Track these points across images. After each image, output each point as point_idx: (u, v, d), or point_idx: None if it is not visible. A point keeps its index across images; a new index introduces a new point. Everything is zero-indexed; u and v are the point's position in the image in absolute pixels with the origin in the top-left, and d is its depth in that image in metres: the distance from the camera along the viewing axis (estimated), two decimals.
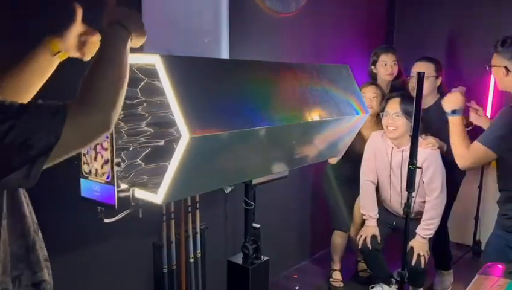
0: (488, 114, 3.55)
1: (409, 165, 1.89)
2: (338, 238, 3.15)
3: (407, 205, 1.91)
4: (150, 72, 1.33)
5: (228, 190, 1.60)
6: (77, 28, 1.15)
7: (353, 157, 2.77)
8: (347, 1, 3.55)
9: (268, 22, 2.82)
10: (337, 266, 3.21)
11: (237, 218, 2.84)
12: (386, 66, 3.03)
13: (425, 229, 2.56)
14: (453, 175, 2.79)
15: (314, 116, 1.62)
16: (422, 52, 3.09)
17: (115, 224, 1.99)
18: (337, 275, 3.19)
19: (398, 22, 4.14)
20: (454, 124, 2.06)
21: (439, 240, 2.81)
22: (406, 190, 1.92)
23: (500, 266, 1.55)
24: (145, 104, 1.45)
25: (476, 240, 3.69)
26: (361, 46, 3.72)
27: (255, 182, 1.69)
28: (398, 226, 2.73)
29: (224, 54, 2.53)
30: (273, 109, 1.45)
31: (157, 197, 1.25)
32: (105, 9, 1.06)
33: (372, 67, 3.12)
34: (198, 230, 2.47)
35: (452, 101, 2.10)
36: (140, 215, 2.18)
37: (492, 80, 3.55)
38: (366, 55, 3.27)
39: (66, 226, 1.92)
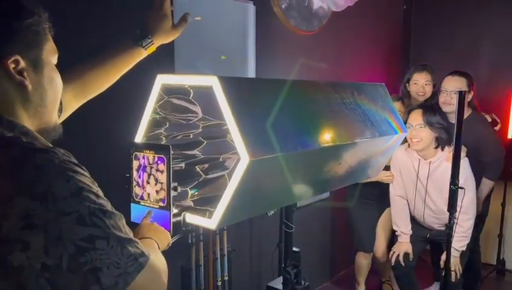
0: (510, 132, 3.53)
1: (450, 185, 1.85)
2: (362, 259, 3.09)
3: (449, 227, 1.87)
4: (169, 90, 1.32)
5: (271, 212, 1.55)
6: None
7: None
8: (365, 21, 3.56)
9: (293, 40, 2.82)
10: (362, 288, 3.14)
11: (262, 240, 2.79)
12: (417, 85, 2.99)
13: (460, 241, 2.49)
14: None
15: (358, 136, 1.58)
16: (438, 71, 3.08)
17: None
18: None
19: (415, 42, 4.17)
20: None
21: (472, 260, 2.76)
22: (448, 211, 1.87)
23: None
24: (167, 124, 1.42)
25: (500, 259, 3.62)
26: (379, 65, 3.73)
27: (299, 205, 1.64)
28: (431, 238, 2.68)
29: (251, 72, 2.52)
30: (322, 130, 1.42)
31: (211, 222, 1.20)
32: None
33: (407, 84, 3.08)
34: (225, 252, 2.42)
35: None
36: (190, 241, 2.15)
37: None
38: (384, 73, 3.27)
39: None
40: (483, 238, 3.50)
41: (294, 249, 1.74)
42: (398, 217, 2.74)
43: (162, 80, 1.31)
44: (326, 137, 1.43)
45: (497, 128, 3.15)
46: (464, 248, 2.52)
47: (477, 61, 3.68)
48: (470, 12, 3.84)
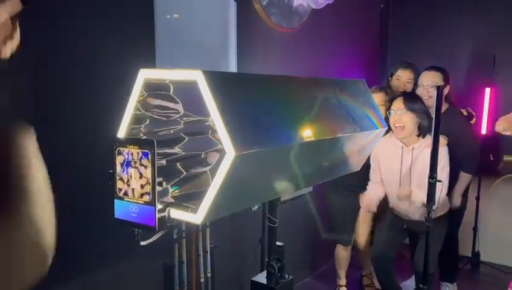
0: (484, 127, 3.63)
1: (429, 178, 1.89)
2: (342, 252, 3.12)
3: (428, 220, 1.91)
4: (150, 87, 1.30)
5: (255, 207, 1.55)
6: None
7: None
8: (344, 19, 3.61)
9: (274, 37, 2.83)
10: (343, 281, 3.18)
11: (244, 236, 2.80)
12: (399, 81, 3.05)
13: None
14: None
15: (340, 130, 1.60)
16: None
17: (125, 245, 1.94)
18: None
19: (392, 40, 4.24)
20: None
21: (450, 252, 2.83)
22: (427, 203, 1.92)
23: None
24: (148, 121, 1.41)
25: (475, 251, 3.72)
26: (358, 62, 3.78)
27: (283, 199, 1.65)
28: (409, 229, 2.72)
29: (232, 69, 2.52)
30: (305, 125, 1.43)
31: (196, 217, 1.20)
32: None
33: (389, 78, 3.15)
34: (208, 249, 2.41)
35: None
36: (175, 236, 2.13)
37: (487, 94, 3.64)
38: (363, 70, 3.32)
39: (80, 246, 1.86)
40: (459, 231, 3.59)
41: (278, 243, 1.75)
42: (370, 191, 2.82)
43: (145, 74, 1.30)
44: (310, 132, 1.45)
45: (472, 122, 3.24)
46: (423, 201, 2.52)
47: (453, 59, 3.77)
48: (446, 12, 3.93)
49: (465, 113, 3.12)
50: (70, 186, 1.81)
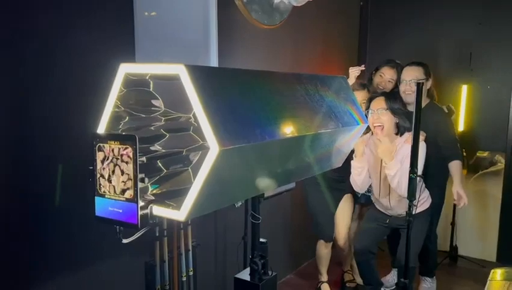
0: (461, 124, 3.70)
1: (410, 173, 1.91)
2: (323, 248, 3.13)
3: (409, 214, 1.93)
4: (129, 83, 1.27)
5: (239, 204, 1.55)
6: None
7: None
8: (325, 16, 3.63)
9: (255, 33, 2.82)
10: (324, 278, 3.20)
11: (227, 233, 2.78)
12: (381, 78, 3.07)
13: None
14: (440, 184, 2.88)
15: (323, 126, 1.61)
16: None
17: (106, 244, 1.91)
18: (325, 287, 3.17)
19: (372, 37, 4.28)
20: None
21: (428, 248, 2.87)
22: (408, 198, 1.94)
23: (509, 270, 1.58)
24: (127, 118, 1.38)
25: (453, 246, 3.79)
26: (338, 59, 3.81)
27: (266, 195, 1.65)
28: (392, 224, 2.75)
29: (214, 63, 2.50)
30: (289, 120, 1.43)
31: (179, 214, 1.18)
32: None
33: (373, 73, 3.16)
34: (190, 247, 2.39)
35: None
36: (157, 234, 2.10)
37: (464, 91, 3.72)
38: (342, 67, 3.35)
39: (59, 245, 1.82)
40: (437, 226, 3.66)
41: (261, 240, 1.75)
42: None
43: (125, 69, 1.27)
44: (293, 128, 1.45)
45: (452, 118, 3.31)
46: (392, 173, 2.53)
47: (431, 56, 3.82)
48: (425, 10, 3.99)
49: (445, 109, 3.17)
50: (50, 185, 1.77)
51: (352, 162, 2.68)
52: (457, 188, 2.66)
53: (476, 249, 3.86)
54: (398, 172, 2.45)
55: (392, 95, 2.67)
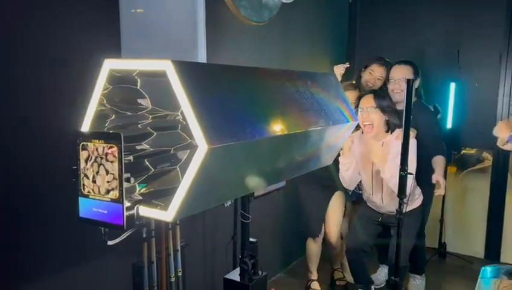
0: (450, 122, 3.72)
1: (400, 171, 1.90)
2: (312, 246, 3.12)
3: (399, 212, 1.92)
4: (115, 80, 1.23)
5: (228, 203, 1.52)
6: None
7: None
8: (313, 13, 3.61)
9: (243, 30, 2.79)
10: (314, 276, 3.18)
11: (216, 233, 2.75)
12: (371, 75, 3.06)
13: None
14: (429, 182, 2.87)
15: (314, 124, 1.58)
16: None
17: (91, 245, 1.86)
18: (315, 286, 3.16)
19: (360, 34, 4.28)
20: None
21: (417, 246, 2.87)
22: (398, 196, 1.93)
23: (499, 267, 1.57)
24: (113, 116, 1.34)
25: (442, 243, 3.81)
26: (326, 56, 3.80)
27: (256, 194, 1.62)
28: (384, 222, 2.74)
29: (202, 61, 2.46)
30: (279, 118, 1.40)
31: (167, 214, 1.15)
32: None
33: (362, 70, 3.14)
34: (178, 248, 2.35)
35: (502, 130, 2.00)
36: (144, 235, 2.06)
37: (452, 89, 3.73)
38: (331, 63, 3.33)
39: (43, 248, 1.77)
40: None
41: (251, 239, 1.72)
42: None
43: (110, 65, 1.23)
44: (284, 125, 1.42)
45: (438, 117, 3.31)
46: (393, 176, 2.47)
47: (420, 54, 3.82)
48: (413, 8, 3.99)
49: (431, 108, 3.18)
50: (31, 185, 1.72)
51: (339, 158, 2.67)
52: (438, 177, 2.66)
53: (464, 246, 3.88)
54: (394, 173, 2.44)
55: (381, 93, 2.66)
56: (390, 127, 2.59)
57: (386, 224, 2.75)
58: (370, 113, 2.55)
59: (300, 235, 3.30)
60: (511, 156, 3.66)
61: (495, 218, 3.77)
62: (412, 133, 2.58)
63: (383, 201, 2.67)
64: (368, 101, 2.58)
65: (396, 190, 2.44)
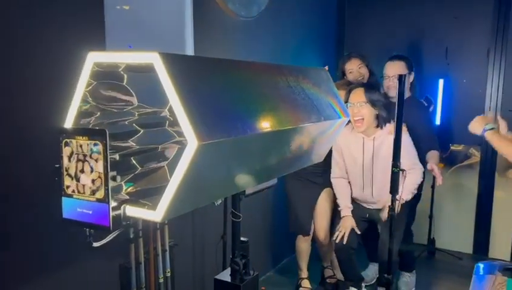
0: (438, 118, 3.72)
1: (392, 167, 1.87)
2: (302, 243, 3.09)
3: (392, 209, 1.89)
4: (100, 75, 1.18)
5: (218, 202, 1.47)
6: None
7: None
8: (302, 8, 3.58)
9: (231, 24, 2.74)
10: (305, 274, 3.15)
11: (205, 233, 2.70)
12: (353, 73, 3.04)
13: (408, 194, 2.50)
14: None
15: (306, 120, 1.54)
16: (372, 57, 3.16)
17: (76, 247, 1.80)
18: (306, 284, 3.13)
19: (349, 29, 4.26)
20: (490, 139, 1.98)
21: (404, 242, 2.86)
22: (390, 192, 1.90)
23: (493, 263, 1.55)
24: (98, 113, 1.28)
25: (431, 239, 3.82)
26: (315, 50, 3.77)
27: (248, 192, 1.57)
28: (371, 218, 2.72)
29: (189, 53, 2.41)
30: (271, 113, 1.36)
31: (155, 214, 1.10)
32: None
33: (344, 77, 3.12)
34: (167, 248, 2.29)
35: (475, 126, 2.05)
36: (132, 236, 1.99)
37: (441, 86, 3.73)
38: (320, 59, 3.31)
39: (27, 249, 1.70)
40: (415, 219, 3.67)
41: (242, 239, 1.68)
42: (340, 194, 2.78)
43: (94, 58, 1.17)
44: (276, 121, 1.38)
45: (431, 109, 3.33)
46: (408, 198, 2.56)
47: (409, 51, 3.81)
48: (403, 3, 3.97)
49: (425, 103, 3.18)
50: (12, 185, 1.65)
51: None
52: (432, 165, 2.68)
53: (453, 242, 3.90)
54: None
55: (371, 86, 2.63)
56: (379, 122, 2.57)
57: (372, 221, 2.74)
58: (360, 108, 2.52)
59: (290, 233, 3.27)
60: (498, 155, 3.68)
61: (483, 214, 3.78)
62: (403, 128, 2.56)
63: (374, 194, 2.65)
64: (358, 96, 2.55)
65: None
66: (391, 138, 2.02)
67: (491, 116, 2.02)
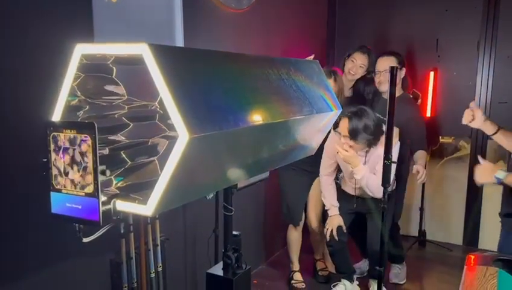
0: (429, 111, 3.73)
1: (384, 160, 1.87)
2: (294, 234, 3.09)
3: (384, 202, 1.90)
4: (89, 68, 1.15)
5: (210, 195, 1.45)
6: None
7: None
8: (293, 2, 3.55)
9: (222, 16, 2.71)
10: (296, 267, 3.16)
11: (197, 227, 2.68)
12: (353, 63, 3.04)
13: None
14: (400, 172, 2.88)
15: (298, 112, 1.53)
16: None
17: (65, 242, 1.77)
18: (298, 277, 3.14)
19: (339, 25, 4.24)
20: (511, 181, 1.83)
21: (391, 235, 2.87)
22: (382, 185, 1.90)
23: (484, 255, 1.56)
24: (87, 107, 1.25)
25: (422, 231, 3.84)
26: (306, 43, 3.76)
27: (240, 185, 1.56)
28: (358, 209, 2.74)
29: (179, 45, 2.38)
30: (263, 106, 1.34)
31: (146, 208, 1.08)
32: None
33: (345, 58, 3.12)
34: (158, 242, 2.28)
35: (483, 177, 1.92)
36: (122, 231, 1.97)
37: (431, 78, 3.74)
38: (311, 51, 3.29)
39: (15, 245, 1.67)
40: (406, 211, 3.70)
41: (234, 232, 1.67)
42: (326, 193, 2.82)
43: (82, 50, 1.14)
44: (268, 114, 1.36)
45: (418, 102, 3.35)
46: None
47: (399, 43, 3.81)
48: None
49: (418, 99, 3.20)
50: (3, 180, 1.61)
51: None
52: (419, 167, 2.74)
53: (444, 234, 3.93)
54: (365, 174, 2.49)
55: (359, 113, 2.45)
56: (371, 144, 2.51)
57: (359, 212, 2.76)
58: (347, 140, 2.46)
59: (281, 226, 3.27)
60: (488, 147, 3.70)
61: (473, 205, 3.81)
62: (396, 131, 2.52)
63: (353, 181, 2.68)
64: (344, 128, 2.44)
65: (368, 191, 2.50)
66: (382, 149, 1.95)
67: (491, 164, 1.88)
